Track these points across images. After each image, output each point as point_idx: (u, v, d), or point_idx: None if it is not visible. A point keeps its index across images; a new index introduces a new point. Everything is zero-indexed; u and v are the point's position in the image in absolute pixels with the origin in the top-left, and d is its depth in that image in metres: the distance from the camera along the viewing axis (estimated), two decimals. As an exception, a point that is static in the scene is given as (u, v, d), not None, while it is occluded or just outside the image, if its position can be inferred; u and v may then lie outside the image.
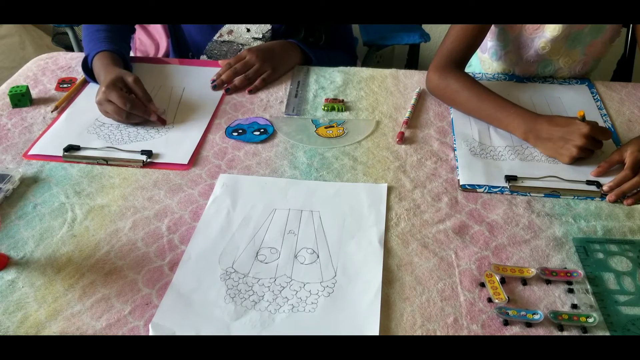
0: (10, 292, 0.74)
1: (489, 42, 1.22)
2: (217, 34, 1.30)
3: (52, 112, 1.10)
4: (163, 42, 1.49)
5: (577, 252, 0.79)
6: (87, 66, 1.15)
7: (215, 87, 1.16)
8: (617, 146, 0.98)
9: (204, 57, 1.34)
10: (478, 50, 1.23)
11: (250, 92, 1.16)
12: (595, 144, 0.94)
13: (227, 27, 1.29)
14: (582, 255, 0.78)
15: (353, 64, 1.40)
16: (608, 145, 0.96)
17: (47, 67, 1.26)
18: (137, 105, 1.03)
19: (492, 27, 1.18)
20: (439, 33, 1.70)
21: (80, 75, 1.22)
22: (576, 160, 0.94)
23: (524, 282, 0.75)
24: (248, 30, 1.28)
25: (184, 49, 1.37)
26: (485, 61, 1.26)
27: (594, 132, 0.92)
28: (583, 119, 0.93)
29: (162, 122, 1.06)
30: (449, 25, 1.13)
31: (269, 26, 1.28)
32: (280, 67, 1.21)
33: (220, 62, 1.24)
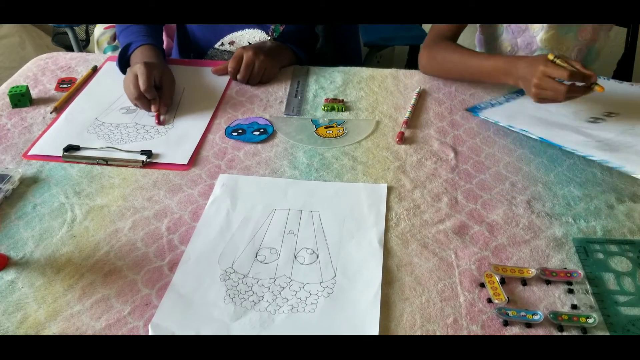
0: (9, 292, 0.74)
1: (481, 35, 1.23)
2: (219, 42, 1.30)
3: (51, 113, 1.10)
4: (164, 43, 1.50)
5: (577, 252, 0.79)
6: (123, 55, 1.19)
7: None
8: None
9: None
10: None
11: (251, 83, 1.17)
12: (553, 85, 0.92)
13: (229, 37, 1.29)
14: (582, 256, 0.78)
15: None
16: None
17: (47, 67, 1.26)
18: (150, 95, 1.07)
19: None
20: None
21: (79, 75, 1.22)
22: (543, 100, 0.96)
23: (524, 282, 0.75)
24: (249, 43, 1.28)
25: (187, 52, 1.38)
26: None
27: (551, 72, 0.92)
28: (552, 59, 0.94)
29: (157, 119, 1.07)
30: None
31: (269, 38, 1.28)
32: (273, 56, 1.21)
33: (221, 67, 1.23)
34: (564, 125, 0.98)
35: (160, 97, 1.08)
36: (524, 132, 0.98)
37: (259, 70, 1.16)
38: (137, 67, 1.07)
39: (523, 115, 1.01)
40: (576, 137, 0.94)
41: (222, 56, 1.32)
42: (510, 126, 0.99)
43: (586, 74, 0.92)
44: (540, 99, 0.96)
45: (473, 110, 1.06)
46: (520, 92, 1.10)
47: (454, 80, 1.15)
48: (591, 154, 0.88)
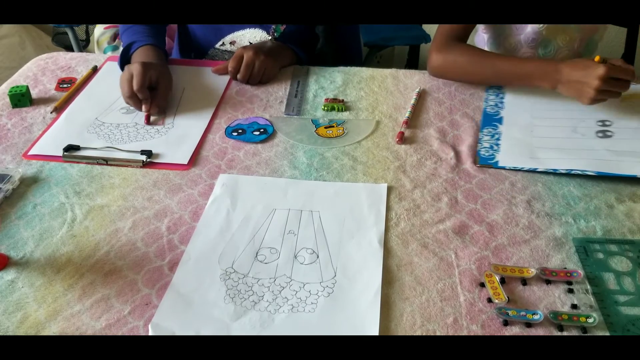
0: (10, 292, 0.74)
1: (484, 34, 1.22)
2: (220, 42, 1.30)
3: (51, 113, 1.10)
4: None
5: (577, 252, 0.79)
6: (124, 54, 1.18)
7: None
8: None
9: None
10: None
11: (251, 83, 1.17)
12: (615, 85, 0.95)
13: (230, 37, 1.29)
14: (582, 256, 0.78)
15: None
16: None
17: (47, 67, 1.26)
18: (142, 95, 1.06)
19: None
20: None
21: (79, 75, 1.22)
22: (598, 101, 0.97)
23: (524, 282, 0.75)
24: (250, 43, 1.28)
25: (187, 51, 1.38)
26: None
27: (613, 73, 0.94)
28: (603, 61, 0.96)
29: (146, 119, 1.07)
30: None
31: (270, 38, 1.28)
32: (273, 56, 1.20)
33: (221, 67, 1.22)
34: (592, 152, 0.95)
35: (153, 97, 1.08)
36: (576, 172, 0.90)
37: (259, 70, 1.16)
38: (134, 67, 1.07)
39: (542, 150, 0.96)
40: (629, 160, 0.92)
41: (222, 56, 1.32)
42: (554, 170, 0.91)
43: (632, 70, 0.97)
44: (595, 101, 0.98)
45: (489, 162, 0.95)
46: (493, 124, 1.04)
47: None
48: None
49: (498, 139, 0.99)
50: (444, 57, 1.11)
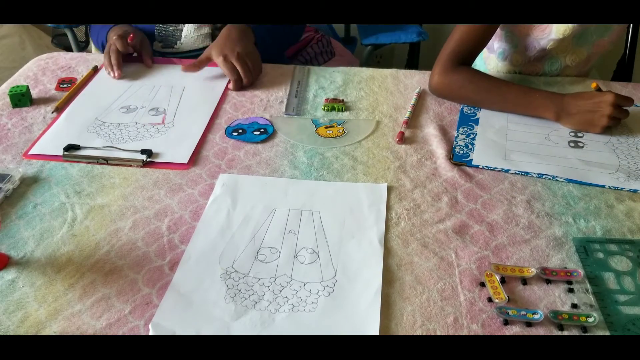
0: (10, 291, 0.74)
1: (496, 43, 1.22)
2: None
3: (52, 112, 1.10)
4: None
5: (577, 251, 0.79)
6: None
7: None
8: None
9: (156, 43, 1.30)
10: (485, 50, 1.23)
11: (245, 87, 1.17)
12: (620, 112, 1.00)
13: None
14: (582, 255, 0.78)
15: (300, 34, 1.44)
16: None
17: (47, 67, 1.26)
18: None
19: (499, 29, 1.18)
20: (437, 31, 1.70)
21: (80, 75, 1.22)
22: (606, 129, 1.01)
23: (524, 281, 0.75)
24: None
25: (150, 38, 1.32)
26: (490, 60, 1.26)
27: (619, 100, 0.98)
28: (598, 89, 1.01)
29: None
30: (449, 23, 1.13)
31: None
32: (245, 46, 1.18)
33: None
34: (564, 159, 0.96)
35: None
36: (549, 178, 0.92)
37: (245, 70, 1.15)
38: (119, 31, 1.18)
39: (516, 153, 0.97)
40: (598, 170, 0.94)
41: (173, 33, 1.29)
42: (526, 172, 0.93)
43: (632, 99, 1.01)
44: (605, 128, 1.01)
45: (463, 159, 0.96)
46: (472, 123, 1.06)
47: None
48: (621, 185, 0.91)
49: (473, 139, 1.01)
50: (449, 80, 1.09)
